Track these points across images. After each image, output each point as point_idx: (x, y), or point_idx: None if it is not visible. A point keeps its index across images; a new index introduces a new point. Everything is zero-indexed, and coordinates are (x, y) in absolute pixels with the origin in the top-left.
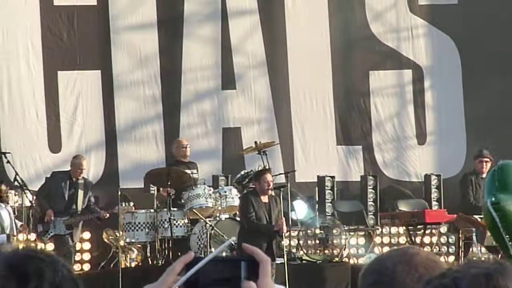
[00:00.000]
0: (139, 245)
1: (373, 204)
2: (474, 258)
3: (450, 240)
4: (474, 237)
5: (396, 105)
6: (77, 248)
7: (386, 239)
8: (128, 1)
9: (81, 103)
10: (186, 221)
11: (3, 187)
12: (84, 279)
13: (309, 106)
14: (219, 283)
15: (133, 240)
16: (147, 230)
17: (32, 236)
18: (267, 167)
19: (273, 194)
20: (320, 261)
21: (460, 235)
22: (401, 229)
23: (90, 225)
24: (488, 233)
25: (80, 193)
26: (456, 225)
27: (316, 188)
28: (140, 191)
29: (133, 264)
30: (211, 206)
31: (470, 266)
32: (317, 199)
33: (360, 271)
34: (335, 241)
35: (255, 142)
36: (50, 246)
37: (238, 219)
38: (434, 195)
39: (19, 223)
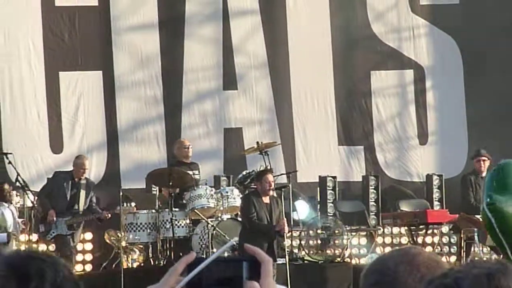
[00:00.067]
0: (141, 246)
1: (375, 204)
2: (476, 258)
3: (452, 240)
4: (476, 237)
5: (398, 105)
6: (79, 249)
7: (388, 239)
8: (129, 2)
9: (82, 103)
10: (188, 221)
11: (6, 186)
12: (86, 279)
13: (310, 106)
14: (221, 284)
15: (135, 241)
16: (149, 230)
17: (34, 237)
18: (268, 167)
19: (274, 195)
20: (322, 262)
21: (462, 235)
22: (403, 229)
23: (92, 226)
24: None
25: (82, 193)
26: (458, 225)
27: (318, 189)
28: (141, 191)
29: (135, 265)
30: (213, 206)
31: (472, 266)
32: (318, 200)
33: (362, 271)
34: (336, 242)
35: (257, 143)
36: (52, 247)
37: (239, 219)
38: (435, 195)
39: (20, 220)
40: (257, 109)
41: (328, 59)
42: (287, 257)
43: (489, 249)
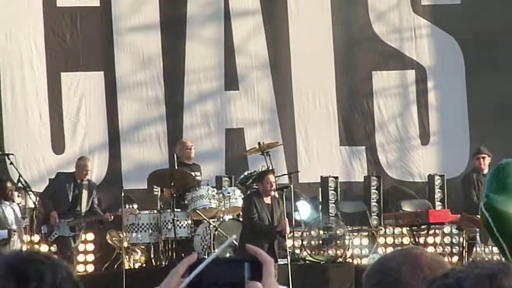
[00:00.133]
0: (143, 246)
1: (377, 204)
2: (478, 258)
3: (453, 240)
4: (478, 237)
5: (399, 105)
6: (81, 249)
7: (389, 240)
8: (131, 2)
9: (84, 104)
10: (189, 222)
11: (8, 184)
12: (87, 280)
13: (312, 106)
14: (223, 284)
15: (137, 241)
16: (150, 231)
17: (36, 238)
18: (270, 167)
19: (276, 195)
20: (324, 262)
21: (464, 235)
22: (405, 230)
23: (94, 227)
24: None
25: (84, 195)
26: (460, 225)
27: (319, 189)
28: (143, 192)
29: (136, 265)
30: (215, 207)
31: (473, 267)
32: (320, 200)
33: (363, 271)
34: (338, 242)
35: (258, 143)
36: (54, 248)
37: (241, 219)
38: (437, 195)
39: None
40: (258, 110)
41: (330, 60)
42: (288, 257)
43: (491, 249)
